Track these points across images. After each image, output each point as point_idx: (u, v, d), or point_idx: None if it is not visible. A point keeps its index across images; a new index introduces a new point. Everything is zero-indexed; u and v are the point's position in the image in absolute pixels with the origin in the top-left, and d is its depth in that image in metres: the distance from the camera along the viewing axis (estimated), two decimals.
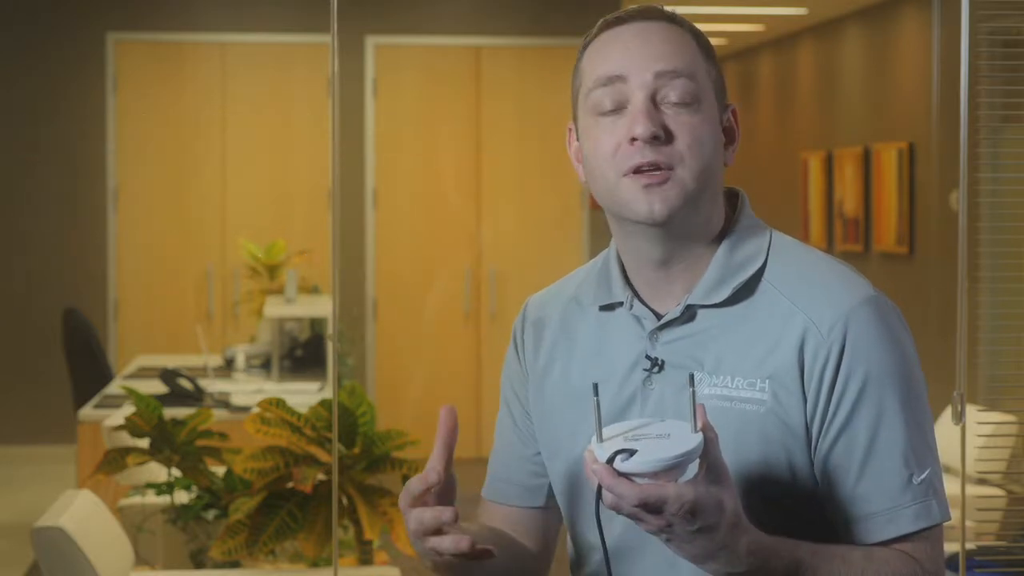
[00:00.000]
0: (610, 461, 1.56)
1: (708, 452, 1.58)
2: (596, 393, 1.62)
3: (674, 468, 1.56)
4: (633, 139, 1.75)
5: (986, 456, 4.35)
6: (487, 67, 9.50)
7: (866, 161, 9.56)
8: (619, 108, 1.77)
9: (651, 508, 1.56)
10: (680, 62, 1.77)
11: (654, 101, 1.76)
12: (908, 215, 8.97)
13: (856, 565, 1.69)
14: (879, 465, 1.73)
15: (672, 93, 1.76)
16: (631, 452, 1.56)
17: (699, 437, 1.58)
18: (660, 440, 1.58)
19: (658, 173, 1.74)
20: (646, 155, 1.74)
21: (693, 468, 1.58)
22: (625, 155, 1.75)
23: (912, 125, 8.92)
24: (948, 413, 3.56)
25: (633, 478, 1.56)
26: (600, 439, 1.60)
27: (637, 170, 1.75)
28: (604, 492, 1.57)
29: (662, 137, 1.74)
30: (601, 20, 1.83)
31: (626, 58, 1.77)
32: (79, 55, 9.39)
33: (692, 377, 1.61)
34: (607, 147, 1.77)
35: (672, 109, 1.76)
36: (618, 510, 1.57)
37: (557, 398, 1.89)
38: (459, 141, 9.50)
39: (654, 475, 1.56)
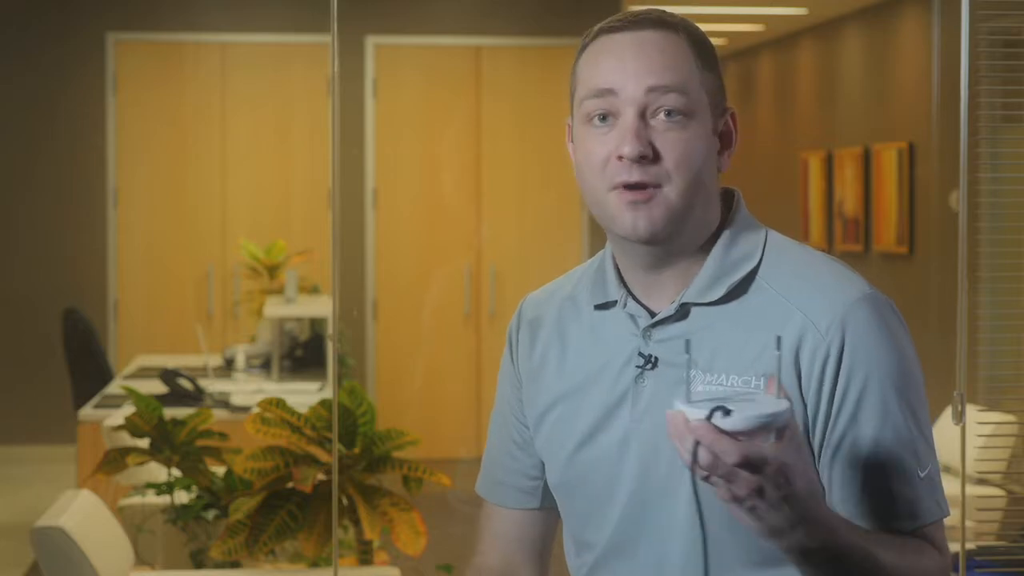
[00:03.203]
0: (707, 419, 1.53)
1: (789, 419, 1.56)
2: (687, 350, 1.60)
3: (766, 428, 1.53)
4: (620, 156, 1.75)
5: (986, 456, 4.34)
6: (487, 67, 9.50)
7: (866, 161, 9.56)
8: (610, 118, 1.77)
9: (751, 466, 1.52)
10: (673, 76, 1.76)
11: (644, 116, 1.76)
12: (908, 215, 8.97)
13: (894, 550, 1.68)
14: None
15: (663, 108, 1.75)
16: (728, 410, 1.52)
17: (785, 401, 1.55)
18: (748, 402, 1.56)
19: (644, 191, 1.75)
20: (632, 174, 1.74)
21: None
22: (613, 170, 1.76)
23: (912, 125, 8.92)
24: (948, 413, 3.55)
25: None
26: (689, 400, 1.56)
27: (623, 186, 1.75)
28: (700, 450, 1.52)
29: (649, 156, 1.74)
30: (599, 25, 1.82)
31: (619, 71, 1.77)
32: (79, 55, 9.39)
33: (779, 340, 1.58)
34: (597, 158, 1.77)
35: (662, 124, 1.75)
36: (712, 470, 1.52)
37: (551, 396, 1.89)
38: (459, 141, 9.50)
39: (750, 434, 1.52)
